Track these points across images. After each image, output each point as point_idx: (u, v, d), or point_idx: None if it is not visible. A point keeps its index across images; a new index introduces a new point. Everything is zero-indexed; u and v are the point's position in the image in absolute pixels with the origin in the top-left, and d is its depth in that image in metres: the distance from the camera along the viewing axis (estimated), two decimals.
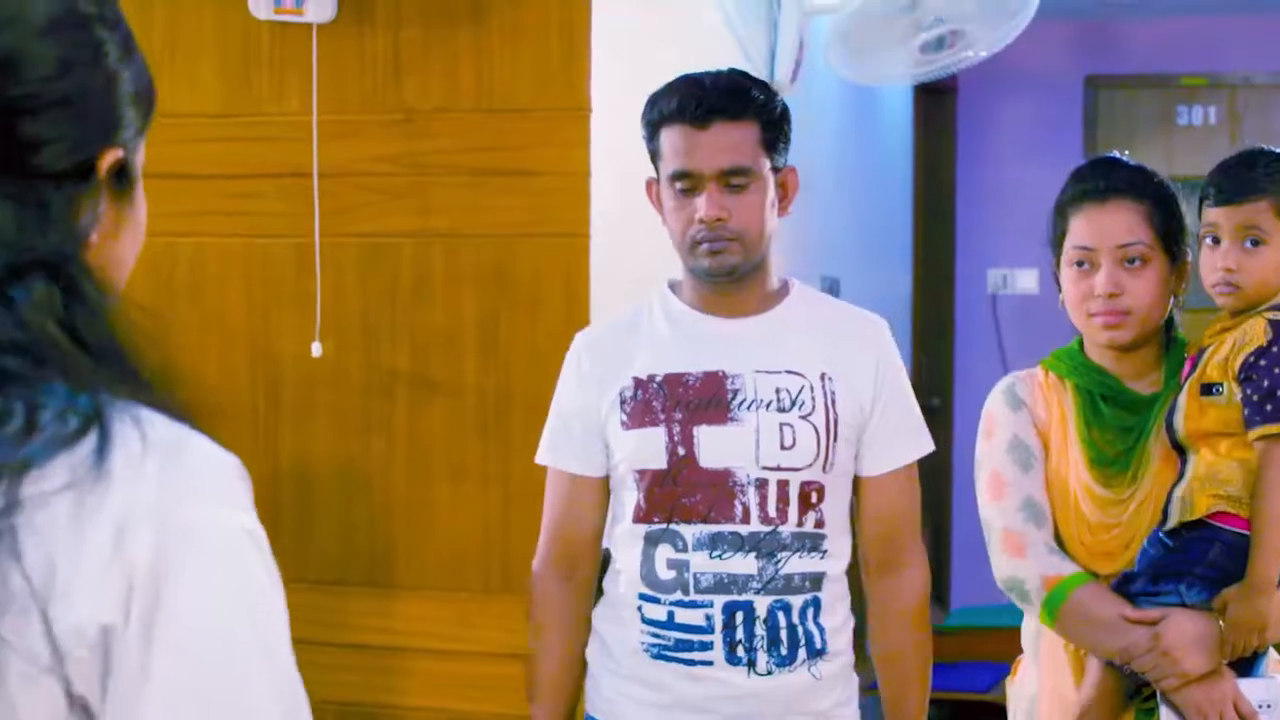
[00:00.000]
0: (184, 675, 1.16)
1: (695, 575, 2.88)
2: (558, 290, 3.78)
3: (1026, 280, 8.13)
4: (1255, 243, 2.83)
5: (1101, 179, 2.97)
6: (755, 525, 2.87)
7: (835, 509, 2.94)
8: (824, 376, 2.93)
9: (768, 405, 2.90)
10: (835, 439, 2.91)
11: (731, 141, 2.89)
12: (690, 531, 2.88)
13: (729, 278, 2.92)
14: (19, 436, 1.15)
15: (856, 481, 3.00)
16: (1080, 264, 2.94)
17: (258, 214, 3.96)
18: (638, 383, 2.94)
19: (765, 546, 2.87)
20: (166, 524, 1.17)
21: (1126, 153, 3.08)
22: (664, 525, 2.90)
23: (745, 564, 2.87)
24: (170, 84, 3.89)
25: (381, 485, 3.91)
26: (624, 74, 3.88)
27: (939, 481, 7.55)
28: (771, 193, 2.93)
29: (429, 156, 3.87)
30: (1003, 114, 8.48)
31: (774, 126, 2.93)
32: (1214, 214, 2.88)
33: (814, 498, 2.91)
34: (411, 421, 3.90)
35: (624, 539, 2.97)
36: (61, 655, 1.13)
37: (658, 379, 2.93)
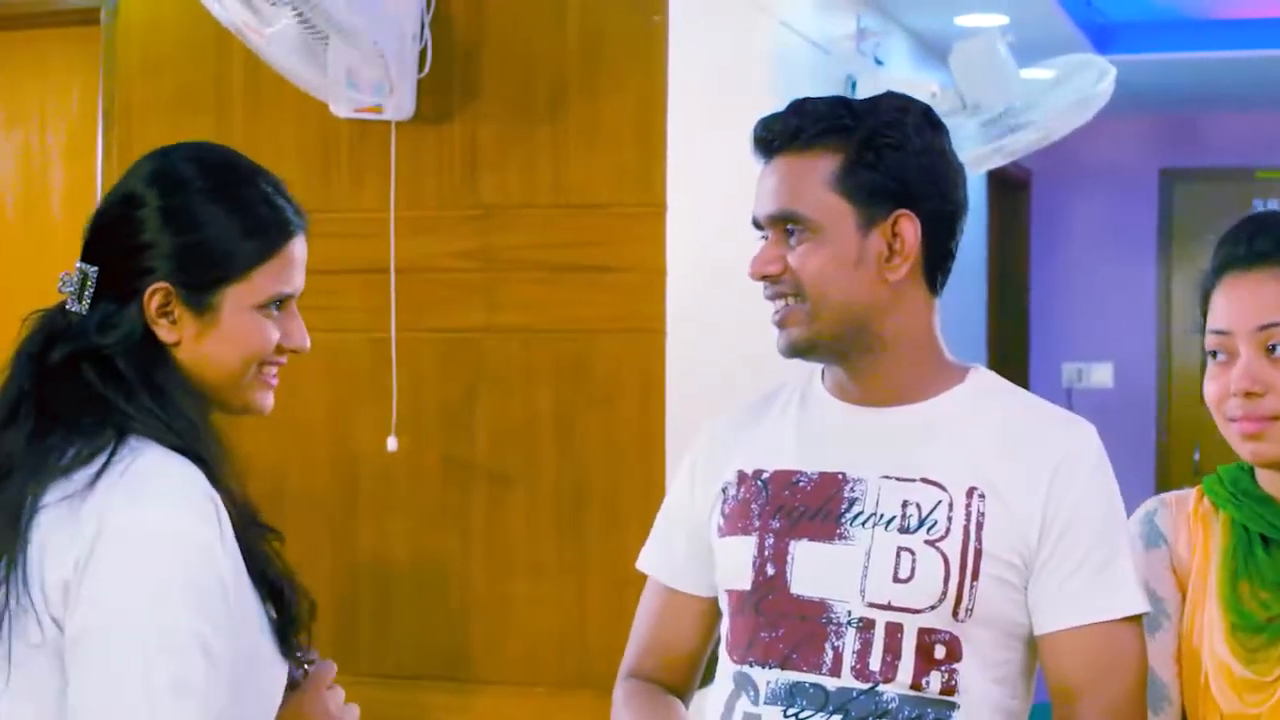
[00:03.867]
0: (95, 621, 1.82)
1: None
2: (634, 385, 3.78)
3: (1101, 374, 8.07)
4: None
5: (1244, 242, 2.19)
6: (847, 679, 2.14)
7: (982, 673, 2.16)
8: (973, 493, 2.16)
9: (888, 523, 2.16)
10: (974, 576, 2.13)
11: (790, 179, 2.21)
12: (765, 678, 2.18)
13: (805, 358, 2.26)
14: (64, 466, 1.86)
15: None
16: (1216, 354, 2.19)
17: (335, 309, 3.99)
18: (741, 478, 2.28)
19: (857, 710, 2.13)
20: (104, 522, 1.84)
21: None
22: (741, 665, 2.22)
23: None
24: None
25: (458, 579, 3.92)
26: (699, 171, 3.90)
27: None
28: (854, 248, 2.18)
29: (505, 252, 3.89)
30: (1077, 207, 8.48)
31: (871, 156, 2.18)
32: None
33: (939, 653, 2.13)
34: (488, 516, 3.90)
35: (719, 679, 2.29)
36: (47, 599, 1.82)
37: (764, 475, 2.26)
